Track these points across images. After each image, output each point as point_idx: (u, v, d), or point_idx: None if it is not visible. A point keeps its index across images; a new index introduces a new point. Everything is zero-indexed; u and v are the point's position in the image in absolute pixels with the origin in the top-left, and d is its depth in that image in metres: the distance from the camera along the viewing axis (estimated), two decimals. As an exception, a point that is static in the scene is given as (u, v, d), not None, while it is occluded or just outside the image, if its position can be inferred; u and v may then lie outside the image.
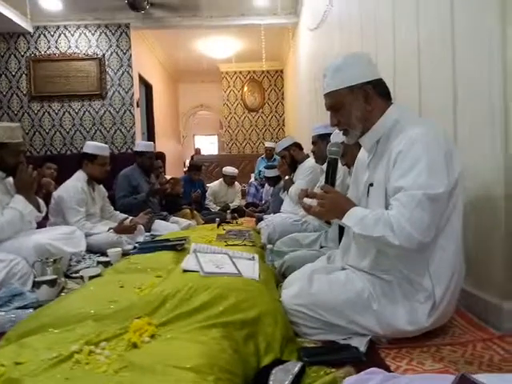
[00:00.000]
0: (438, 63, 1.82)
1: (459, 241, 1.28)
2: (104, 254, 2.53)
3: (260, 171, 6.24)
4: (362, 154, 1.52)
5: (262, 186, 5.81)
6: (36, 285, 1.88)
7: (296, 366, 1.07)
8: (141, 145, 4.00)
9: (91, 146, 3.14)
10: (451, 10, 1.67)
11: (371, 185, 1.35)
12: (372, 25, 2.72)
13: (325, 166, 2.82)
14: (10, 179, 2.36)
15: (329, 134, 2.48)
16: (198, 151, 10.83)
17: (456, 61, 1.66)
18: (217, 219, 3.75)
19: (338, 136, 1.78)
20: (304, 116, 5.99)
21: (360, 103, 1.34)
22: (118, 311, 1.26)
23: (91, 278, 1.94)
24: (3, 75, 5.71)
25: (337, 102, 1.36)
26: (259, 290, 1.35)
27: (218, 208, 5.36)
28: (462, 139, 1.64)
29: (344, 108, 1.35)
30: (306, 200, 1.38)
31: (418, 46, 2.00)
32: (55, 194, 2.99)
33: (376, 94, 1.34)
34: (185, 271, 1.46)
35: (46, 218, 2.73)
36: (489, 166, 1.47)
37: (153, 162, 3.97)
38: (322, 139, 2.84)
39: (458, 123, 1.67)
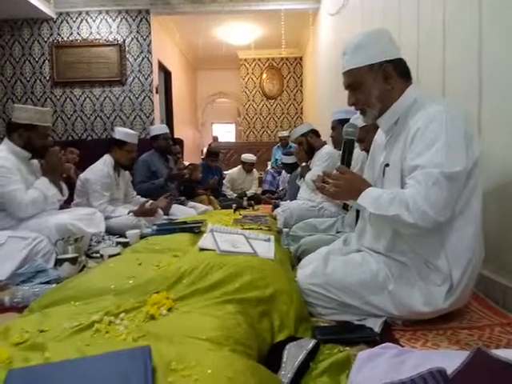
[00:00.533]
0: (463, 46, 1.77)
1: (478, 224, 1.25)
2: (123, 235, 2.58)
3: (276, 159, 6.23)
4: (379, 136, 1.50)
5: (279, 173, 5.80)
6: (58, 262, 1.94)
7: (310, 343, 1.08)
8: (154, 129, 4.03)
9: (121, 133, 3.17)
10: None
11: (387, 165, 1.34)
12: (396, 8, 2.65)
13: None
14: (35, 161, 2.44)
15: (348, 120, 2.45)
16: (215, 139, 10.86)
17: (482, 43, 1.61)
18: (233, 205, 3.77)
19: (356, 120, 1.76)
20: (323, 104, 5.92)
21: (379, 82, 1.31)
22: (136, 286, 1.30)
23: (111, 256, 1.99)
24: (27, 61, 5.82)
25: (355, 81, 1.34)
26: (274, 269, 1.36)
27: (235, 195, 5.40)
28: (486, 123, 1.60)
29: (362, 87, 1.33)
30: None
31: (444, 28, 1.94)
32: (82, 175, 3.07)
33: (396, 73, 1.31)
34: (201, 249, 1.48)
35: (67, 201, 2.80)
36: (513, 150, 1.43)
37: (169, 143, 3.98)
38: (341, 124, 2.79)
39: (482, 107, 1.63)
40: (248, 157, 5.63)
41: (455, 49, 1.86)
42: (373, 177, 1.45)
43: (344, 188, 1.29)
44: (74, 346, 0.89)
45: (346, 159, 1.38)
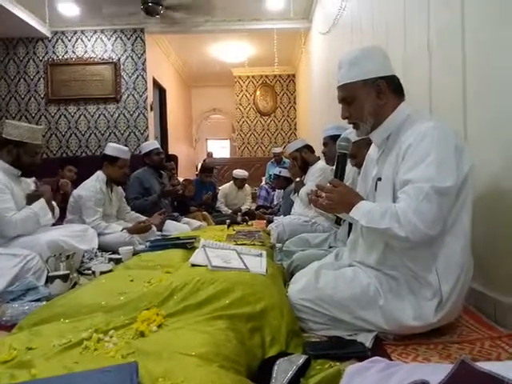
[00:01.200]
0: (448, 63, 1.82)
1: (468, 239, 1.27)
2: (116, 252, 2.57)
3: (270, 175, 6.26)
4: (372, 150, 1.52)
5: (273, 189, 5.82)
6: (49, 279, 1.92)
7: (301, 359, 1.08)
8: (145, 146, 4.03)
9: (113, 148, 3.17)
10: (461, 9, 1.68)
11: (379, 179, 1.36)
12: (383, 26, 2.73)
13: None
14: (27, 179, 2.44)
15: (340, 136, 2.49)
16: (210, 155, 10.90)
17: (466, 59, 1.66)
18: (227, 221, 3.77)
19: (350, 135, 1.79)
20: (316, 120, 6.00)
21: (372, 98, 1.34)
22: (127, 302, 1.29)
23: (102, 273, 1.97)
24: (22, 79, 5.87)
25: (349, 95, 1.36)
26: (266, 285, 1.36)
27: (230, 211, 5.39)
28: (471, 138, 1.63)
29: (356, 101, 1.36)
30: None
31: (428, 45, 2.00)
32: (75, 192, 3.06)
33: (389, 89, 1.35)
34: (193, 265, 1.48)
35: (59, 218, 2.79)
36: (499, 165, 1.46)
37: (162, 158, 3.97)
38: (333, 140, 2.84)
39: (467, 122, 1.67)
40: (239, 172, 5.64)
41: (440, 67, 1.91)
42: (365, 190, 1.47)
43: (337, 201, 1.31)
44: (62, 363, 0.89)
45: (340, 172, 1.40)
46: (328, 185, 1.34)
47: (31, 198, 2.36)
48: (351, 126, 1.46)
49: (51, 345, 1.02)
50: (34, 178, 2.48)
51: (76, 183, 3.91)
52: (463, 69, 1.68)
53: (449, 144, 1.21)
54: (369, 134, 1.42)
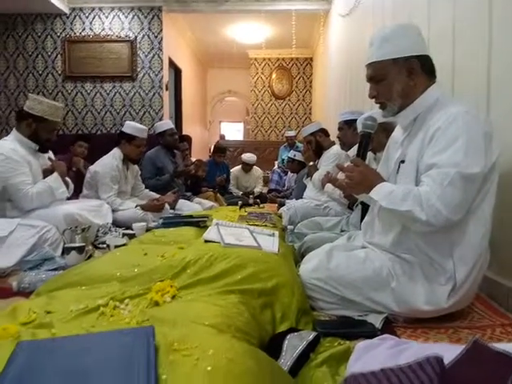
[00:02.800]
0: (472, 47, 1.77)
1: (488, 227, 1.25)
2: (130, 228, 2.61)
3: (283, 159, 6.23)
4: (396, 132, 1.49)
5: (286, 173, 5.81)
6: (66, 251, 1.97)
7: (310, 335, 1.09)
8: (159, 126, 4.03)
9: (131, 127, 3.18)
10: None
11: (402, 162, 1.33)
12: (406, 9, 2.65)
13: (350, 152, 2.80)
14: (45, 154, 2.48)
15: (355, 120, 2.46)
16: (222, 137, 10.90)
17: (492, 44, 1.61)
18: (239, 202, 3.79)
19: (376, 114, 1.74)
20: (332, 105, 5.92)
21: (403, 77, 1.30)
22: (141, 274, 1.32)
23: (117, 247, 2.01)
24: (40, 55, 5.90)
25: (379, 73, 1.32)
26: (278, 263, 1.37)
27: (241, 193, 5.42)
28: (494, 124, 1.59)
29: (385, 80, 1.32)
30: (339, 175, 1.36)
31: (453, 29, 1.95)
32: (91, 168, 3.10)
33: (421, 69, 1.30)
34: (206, 241, 1.50)
35: (75, 193, 2.84)
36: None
37: (175, 138, 3.99)
38: (348, 125, 2.81)
39: (491, 107, 1.63)
40: (246, 157, 5.65)
41: (464, 49, 1.86)
42: (387, 173, 1.44)
43: (357, 180, 1.29)
44: (80, 326, 0.92)
45: (362, 152, 1.37)
46: (349, 163, 1.33)
47: (46, 174, 2.40)
48: (377, 106, 1.43)
49: (68, 310, 1.05)
50: (48, 154, 2.51)
51: (88, 159, 3.97)
52: (489, 54, 1.63)
53: (479, 130, 1.17)
54: (395, 115, 1.38)
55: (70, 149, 4.13)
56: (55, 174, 2.39)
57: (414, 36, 1.32)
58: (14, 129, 2.37)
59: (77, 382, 0.60)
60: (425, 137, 1.25)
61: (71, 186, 2.60)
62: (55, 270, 1.82)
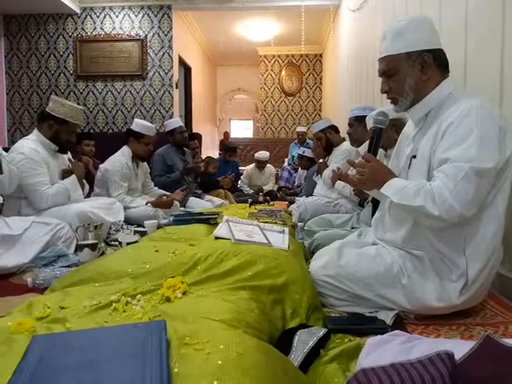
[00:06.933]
0: (485, 42, 1.74)
1: (501, 223, 1.23)
2: (141, 225, 2.64)
3: (293, 156, 6.22)
4: (408, 127, 1.48)
5: (296, 170, 5.80)
6: (79, 248, 2.01)
7: (321, 331, 1.09)
8: (168, 124, 4.03)
9: (139, 125, 3.20)
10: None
11: (414, 157, 1.32)
12: (417, 3, 2.62)
13: (360, 148, 2.78)
14: (64, 155, 2.53)
15: (365, 117, 2.44)
16: (226, 135, 10.87)
17: (505, 39, 1.59)
18: (249, 200, 3.79)
19: (388, 110, 1.72)
20: (342, 101, 5.88)
21: (416, 71, 1.28)
22: (152, 270, 1.34)
23: (129, 244, 2.04)
24: (52, 55, 5.97)
25: (391, 68, 1.31)
26: (288, 259, 1.37)
27: (252, 191, 5.43)
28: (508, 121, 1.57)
29: (398, 74, 1.30)
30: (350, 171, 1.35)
31: (466, 23, 1.92)
32: (102, 166, 3.14)
33: (434, 63, 1.28)
34: (217, 238, 1.51)
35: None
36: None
37: (184, 136, 3.99)
38: (358, 121, 2.79)
39: (504, 104, 1.60)
40: (259, 155, 5.66)
41: (477, 45, 1.83)
42: (398, 168, 1.42)
43: (368, 176, 1.28)
44: (93, 321, 0.93)
45: (373, 148, 1.36)
46: (360, 159, 1.32)
47: (64, 175, 2.44)
48: (389, 101, 1.41)
49: (82, 305, 1.07)
50: (68, 155, 2.56)
51: (98, 157, 3.99)
52: (502, 50, 1.60)
53: (493, 123, 1.16)
54: (407, 110, 1.36)
55: (76, 149, 4.14)
56: (73, 177, 2.44)
57: (427, 29, 1.30)
58: (35, 129, 2.42)
59: (90, 373, 0.61)
60: (437, 132, 1.23)
61: (87, 187, 2.65)
62: (69, 266, 1.86)
